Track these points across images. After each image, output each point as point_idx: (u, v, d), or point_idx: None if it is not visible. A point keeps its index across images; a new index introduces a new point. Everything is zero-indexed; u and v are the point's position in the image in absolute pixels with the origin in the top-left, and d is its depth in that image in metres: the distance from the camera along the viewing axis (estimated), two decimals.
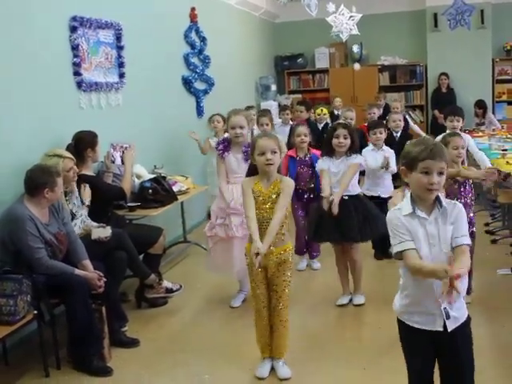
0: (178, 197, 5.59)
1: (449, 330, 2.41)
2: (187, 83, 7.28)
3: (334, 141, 4.49)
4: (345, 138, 4.46)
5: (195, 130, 6.89)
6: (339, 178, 4.49)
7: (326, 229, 4.50)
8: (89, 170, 4.63)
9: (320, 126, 7.78)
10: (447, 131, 5.50)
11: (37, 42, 4.46)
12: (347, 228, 4.44)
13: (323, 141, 4.79)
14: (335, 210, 4.38)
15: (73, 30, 4.87)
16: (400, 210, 2.45)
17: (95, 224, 4.35)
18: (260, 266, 3.26)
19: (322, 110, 7.76)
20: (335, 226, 4.45)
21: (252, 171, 3.53)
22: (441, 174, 2.35)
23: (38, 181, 3.73)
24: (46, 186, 3.72)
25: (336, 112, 8.83)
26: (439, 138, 4.58)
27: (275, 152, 3.39)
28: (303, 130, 5.36)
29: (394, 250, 2.43)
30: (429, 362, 2.55)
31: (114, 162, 5.01)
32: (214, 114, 6.88)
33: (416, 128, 8.59)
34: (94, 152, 4.60)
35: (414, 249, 2.37)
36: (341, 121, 5.59)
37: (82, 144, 4.55)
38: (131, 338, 4.18)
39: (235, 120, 4.53)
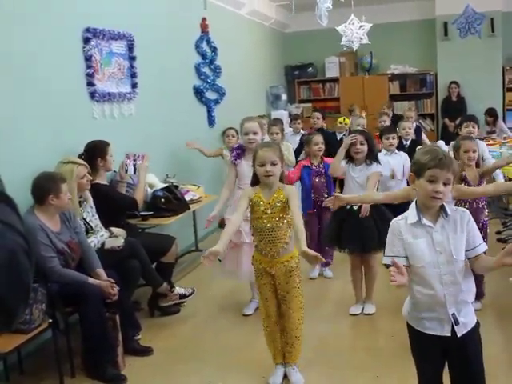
0: (190, 206, 5.63)
1: (458, 336, 2.44)
2: (198, 93, 7.33)
3: (351, 148, 4.51)
4: (361, 144, 4.48)
5: (206, 140, 6.93)
6: (362, 188, 4.48)
7: (346, 238, 4.53)
8: (102, 179, 4.68)
9: (339, 136, 7.78)
10: None
11: (51, 53, 4.52)
12: (368, 237, 4.46)
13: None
14: (364, 212, 4.43)
15: (86, 41, 4.93)
16: (405, 219, 2.49)
17: (107, 234, 4.40)
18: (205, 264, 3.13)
19: (344, 119, 7.72)
20: (355, 236, 4.47)
21: (255, 179, 3.53)
22: (446, 184, 2.39)
23: (42, 188, 3.76)
24: (50, 193, 3.74)
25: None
26: (453, 143, 4.62)
27: (275, 164, 3.38)
28: (320, 138, 5.41)
29: (385, 260, 2.53)
30: (438, 367, 2.57)
31: (127, 172, 5.05)
32: (228, 128, 6.77)
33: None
34: (104, 161, 4.64)
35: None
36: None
37: (92, 153, 4.60)
38: (144, 346, 4.20)
39: (248, 126, 4.56)
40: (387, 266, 2.51)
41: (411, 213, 2.48)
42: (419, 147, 5.86)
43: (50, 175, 3.84)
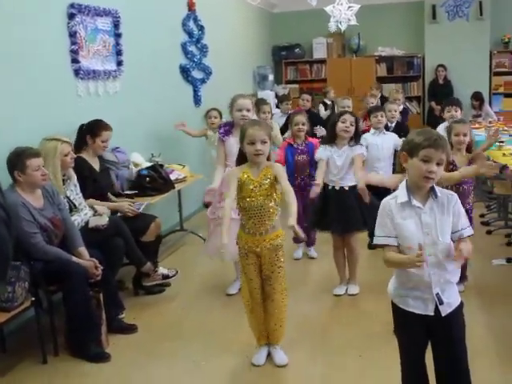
0: (175, 185, 5.61)
1: (443, 315, 2.46)
2: (185, 72, 7.27)
3: (341, 125, 4.45)
4: (351, 125, 4.46)
5: (192, 119, 6.89)
6: (344, 169, 4.49)
7: (330, 219, 4.52)
8: (88, 156, 4.68)
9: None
10: (445, 122, 5.55)
11: (34, 28, 4.45)
12: (351, 218, 4.46)
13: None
14: (366, 198, 4.37)
15: (71, 16, 4.85)
16: (395, 199, 2.49)
17: (91, 212, 4.38)
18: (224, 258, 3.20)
19: None
20: (339, 217, 4.47)
21: (242, 157, 3.49)
22: (439, 164, 2.39)
23: (8, 164, 3.73)
24: (15, 168, 3.70)
25: (328, 102, 8.81)
26: (442, 126, 4.60)
27: (265, 142, 3.34)
28: (301, 118, 5.37)
29: (376, 240, 2.53)
30: (421, 346, 2.59)
31: (118, 163, 5.12)
32: (211, 109, 6.76)
33: None
34: (93, 141, 4.64)
35: (393, 245, 2.46)
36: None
37: (87, 127, 4.68)
38: (129, 323, 4.20)
39: (242, 102, 4.49)
40: (378, 246, 2.52)
41: (401, 192, 2.48)
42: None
43: (17, 151, 3.75)
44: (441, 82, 10.64)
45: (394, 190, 2.58)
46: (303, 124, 5.33)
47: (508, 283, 4.75)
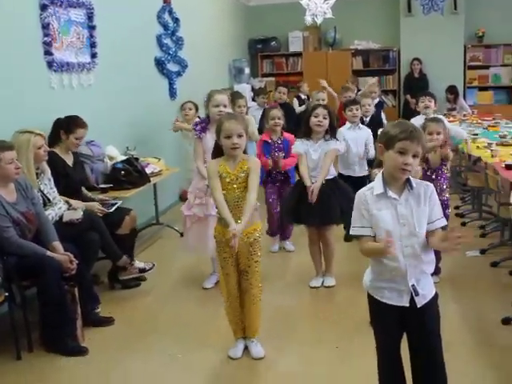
0: (151, 178, 5.58)
1: (418, 306, 2.48)
2: (160, 64, 7.22)
3: (313, 120, 4.46)
4: (324, 118, 4.45)
5: (167, 113, 6.86)
6: (320, 163, 4.49)
7: (305, 212, 4.51)
8: (61, 152, 4.61)
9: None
10: (419, 116, 5.60)
11: (7, 20, 4.37)
12: (327, 211, 4.46)
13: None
14: (314, 198, 4.40)
15: (43, 8, 4.78)
16: (371, 190, 2.50)
17: (65, 207, 4.34)
18: (236, 248, 3.21)
19: None
20: (314, 210, 4.46)
21: (218, 151, 3.48)
22: (415, 157, 2.41)
23: None
24: None
25: (303, 96, 8.83)
26: (416, 119, 4.63)
27: (241, 136, 3.34)
28: (277, 113, 5.35)
29: (352, 231, 2.55)
30: (396, 338, 2.60)
31: (92, 156, 5.10)
32: (186, 102, 6.82)
33: None
34: (66, 137, 4.59)
35: (369, 236, 2.48)
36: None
37: (62, 122, 4.60)
38: (105, 316, 4.18)
39: (219, 98, 4.45)
40: (354, 238, 2.53)
41: (377, 184, 2.49)
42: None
43: None
44: (416, 75, 10.72)
45: (370, 181, 2.59)
46: (279, 118, 5.32)
47: (482, 274, 4.80)
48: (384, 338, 2.62)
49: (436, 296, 2.57)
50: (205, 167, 4.47)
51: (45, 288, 3.68)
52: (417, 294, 2.47)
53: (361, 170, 5.53)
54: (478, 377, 3.27)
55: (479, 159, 6.31)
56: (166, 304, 4.54)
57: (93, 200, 4.74)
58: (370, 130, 5.58)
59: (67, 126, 4.59)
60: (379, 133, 2.72)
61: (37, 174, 4.14)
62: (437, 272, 4.41)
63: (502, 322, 3.87)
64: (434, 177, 4.34)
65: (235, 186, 3.36)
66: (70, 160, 4.69)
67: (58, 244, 3.92)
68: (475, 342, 3.67)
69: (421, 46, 10.69)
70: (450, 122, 7.76)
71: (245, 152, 3.46)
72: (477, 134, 6.95)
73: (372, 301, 2.61)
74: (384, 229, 2.43)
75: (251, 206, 3.30)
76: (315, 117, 4.46)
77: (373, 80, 8.59)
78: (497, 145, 6.04)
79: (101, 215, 4.51)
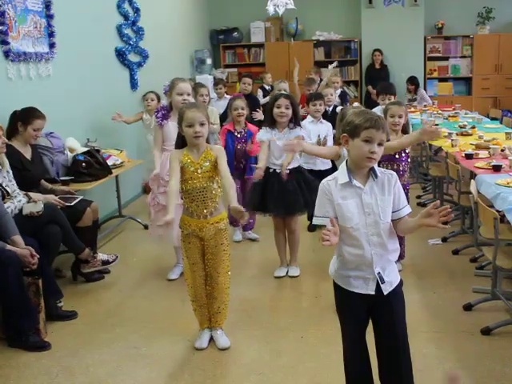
0: (113, 170, 5.50)
1: (385, 294, 2.49)
2: (120, 55, 7.12)
3: (276, 111, 4.45)
4: (286, 108, 4.45)
5: (128, 104, 6.76)
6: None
7: (271, 202, 4.50)
8: (18, 145, 4.51)
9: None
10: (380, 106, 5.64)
11: None
12: (292, 201, 4.46)
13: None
14: (285, 176, 4.40)
15: None
16: (335, 180, 2.50)
17: (25, 199, 4.25)
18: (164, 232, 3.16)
19: None
20: (280, 199, 4.46)
21: (181, 141, 3.47)
22: (380, 145, 2.42)
23: None
24: None
25: (267, 87, 8.83)
26: (378, 109, 4.66)
27: (203, 124, 3.34)
28: (240, 103, 5.33)
29: (315, 220, 2.56)
30: (362, 326, 2.62)
31: (52, 148, 4.99)
32: (148, 92, 6.78)
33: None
34: (24, 129, 4.48)
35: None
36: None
37: (19, 114, 4.51)
38: (68, 311, 4.12)
39: (183, 86, 4.43)
40: (317, 227, 2.54)
41: (341, 173, 2.49)
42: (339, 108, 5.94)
43: None
44: (377, 66, 10.81)
45: (334, 170, 2.58)
46: (242, 108, 5.31)
47: (443, 262, 4.88)
48: (350, 325, 2.63)
49: (401, 283, 2.59)
50: (161, 156, 4.46)
51: (4, 281, 3.59)
52: (383, 282, 2.49)
53: (322, 164, 5.54)
54: (441, 359, 3.32)
55: (440, 149, 6.40)
56: (130, 296, 4.50)
57: (53, 192, 4.66)
58: (330, 124, 5.58)
59: (24, 117, 4.49)
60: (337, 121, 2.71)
61: None
62: (400, 258, 4.45)
63: (463, 308, 3.94)
64: (397, 156, 4.37)
65: (200, 175, 3.35)
66: (28, 153, 4.59)
67: (18, 237, 3.83)
68: (438, 327, 3.73)
69: (382, 38, 10.78)
70: (411, 112, 7.88)
71: (207, 141, 3.45)
72: (437, 125, 7.03)
73: (338, 289, 2.61)
74: (350, 219, 2.44)
75: (234, 189, 3.30)
76: (277, 107, 4.45)
77: (333, 65, 8.62)
78: (457, 135, 6.13)
79: (59, 206, 4.43)
